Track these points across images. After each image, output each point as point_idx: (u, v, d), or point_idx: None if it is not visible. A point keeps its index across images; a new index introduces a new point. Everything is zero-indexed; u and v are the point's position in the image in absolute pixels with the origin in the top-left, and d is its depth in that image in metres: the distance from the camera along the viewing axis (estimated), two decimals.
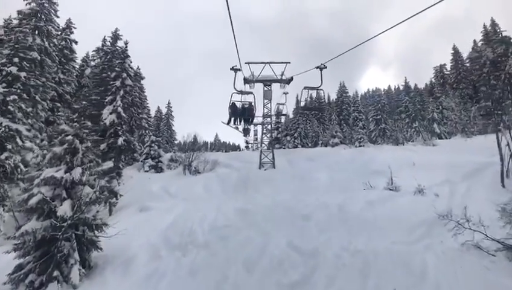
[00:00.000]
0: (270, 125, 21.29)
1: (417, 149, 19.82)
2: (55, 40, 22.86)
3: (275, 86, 20.43)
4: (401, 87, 69.99)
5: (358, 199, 11.70)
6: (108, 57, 37.03)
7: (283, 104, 22.50)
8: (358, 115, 46.05)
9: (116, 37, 36.19)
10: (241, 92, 15.65)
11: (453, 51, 48.70)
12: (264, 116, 20.51)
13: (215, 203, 13.19)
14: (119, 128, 13.95)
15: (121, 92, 14.25)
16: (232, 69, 16.19)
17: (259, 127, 45.91)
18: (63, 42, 26.38)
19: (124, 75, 14.40)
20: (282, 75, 19.59)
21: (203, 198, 15.18)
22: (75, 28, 26.95)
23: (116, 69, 14.98)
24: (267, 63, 19.51)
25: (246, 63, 19.39)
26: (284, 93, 20.26)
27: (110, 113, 13.80)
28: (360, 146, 29.39)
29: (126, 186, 17.57)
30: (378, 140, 36.15)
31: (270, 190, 14.48)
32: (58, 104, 25.94)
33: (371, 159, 17.22)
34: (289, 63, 19.34)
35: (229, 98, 15.29)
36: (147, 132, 49.29)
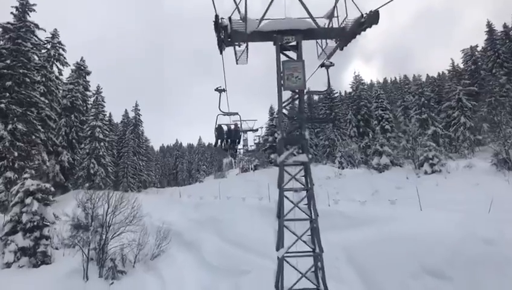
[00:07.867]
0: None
1: None
2: None
3: (310, 52, 7.66)
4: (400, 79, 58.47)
5: None
6: (8, 36, 25.22)
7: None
8: (383, 114, 34.04)
9: (24, 8, 25.06)
10: (227, 114, 11.21)
11: (487, 29, 37.71)
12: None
13: None
14: None
15: None
16: (216, 90, 9.79)
17: (249, 134, 33.35)
18: None
19: None
20: (330, 18, 6.94)
21: None
22: None
23: None
24: None
25: None
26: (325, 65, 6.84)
27: None
28: (432, 172, 17.12)
29: None
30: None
31: None
32: None
33: None
34: None
35: (215, 120, 11.32)
36: (101, 144, 35.66)
